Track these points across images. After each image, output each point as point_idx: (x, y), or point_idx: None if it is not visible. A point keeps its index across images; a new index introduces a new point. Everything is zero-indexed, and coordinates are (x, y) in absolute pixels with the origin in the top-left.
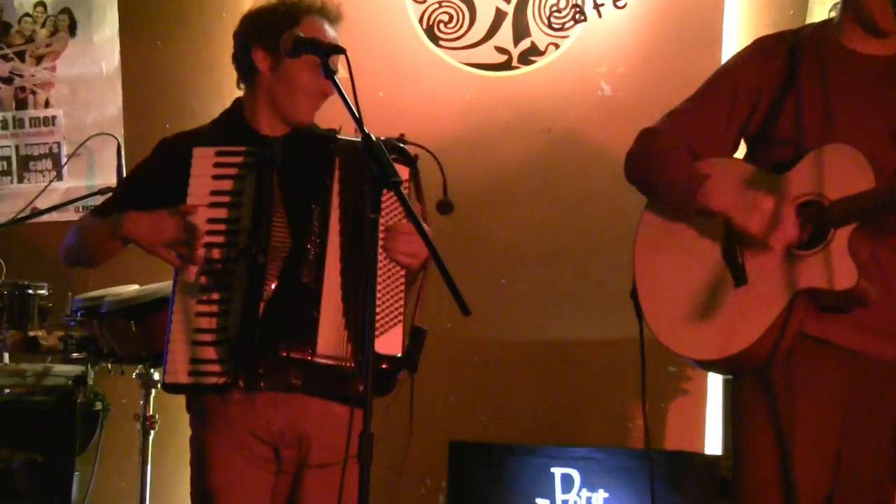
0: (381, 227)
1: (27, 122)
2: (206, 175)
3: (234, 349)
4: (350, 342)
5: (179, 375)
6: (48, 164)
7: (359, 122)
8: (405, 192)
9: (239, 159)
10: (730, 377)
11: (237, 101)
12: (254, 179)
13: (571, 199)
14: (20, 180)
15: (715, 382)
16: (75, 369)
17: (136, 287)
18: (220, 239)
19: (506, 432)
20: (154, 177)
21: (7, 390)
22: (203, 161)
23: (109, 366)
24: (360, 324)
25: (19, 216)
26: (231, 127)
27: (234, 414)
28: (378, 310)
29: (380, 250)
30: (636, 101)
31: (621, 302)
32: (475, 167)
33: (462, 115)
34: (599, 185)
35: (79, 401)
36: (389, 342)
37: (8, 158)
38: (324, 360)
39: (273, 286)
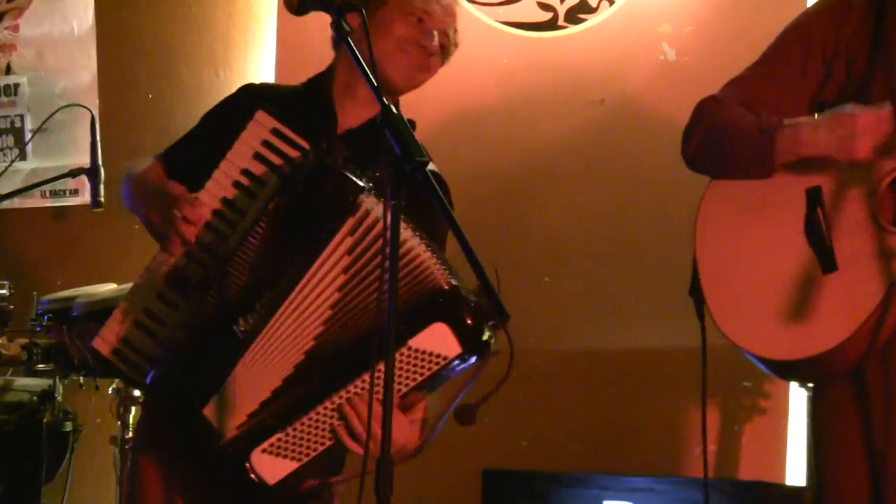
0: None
1: None
2: (251, 148)
3: (157, 357)
4: (241, 426)
5: (105, 346)
6: (9, 140)
7: (376, 90)
8: (430, 367)
9: (291, 152)
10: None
11: (330, 67)
12: (270, 187)
13: (627, 183)
14: None
15: (799, 400)
16: (41, 383)
17: (112, 286)
18: (222, 226)
19: (550, 459)
20: (223, 124)
21: None
22: (257, 130)
23: (81, 379)
24: (269, 423)
25: None
26: (311, 99)
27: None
28: (290, 431)
29: (350, 387)
30: (704, 68)
31: (687, 304)
32: (513, 145)
33: (498, 84)
34: (660, 166)
35: (45, 420)
36: (269, 466)
37: None
38: (207, 415)
39: (209, 315)
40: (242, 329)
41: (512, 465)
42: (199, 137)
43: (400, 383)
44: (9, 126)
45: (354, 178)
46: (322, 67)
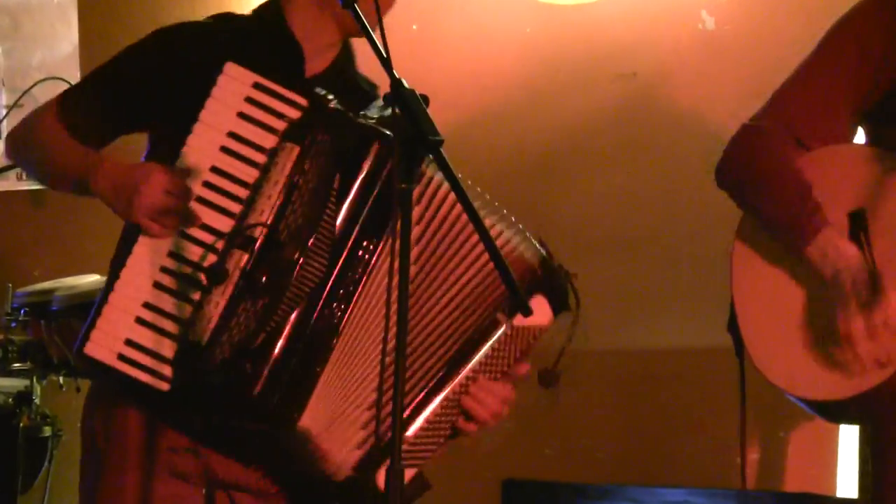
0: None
1: None
2: (230, 107)
3: (197, 359)
4: (364, 445)
5: (104, 351)
6: None
7: (386, 62)
8: (530, 339)
9: (284, 109)
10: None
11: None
12: (295, 154)
13: (661, 165)
14: None
15: None
16: (16, 384)
17: (95, 278)
18: (218, 200)
19: (575, 468)
20: (145, 75)
21: None
22: (233, 86)
23: (61, 379)
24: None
25: None
26: (270, 38)
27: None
28: (412, 439)
29: (463, 378)
30: (747, 38)
31: (724, 299)
32: (536, 123)
33: (520, 56)
34: (698, 147)
35: (21, 424)
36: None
37: None
38: (304, 427)
39: (279, 316)
40: (324, 324)
41: (533, 474)
42: (114, 88)
43: (501, 362)
44: None
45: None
46: None
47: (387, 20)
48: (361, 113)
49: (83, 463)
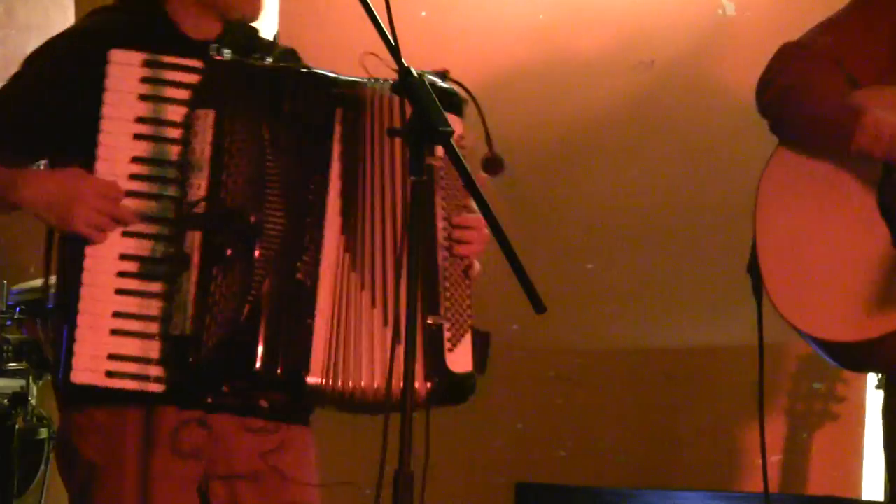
0: (444, 204)
1: None
2: (129, 92)
3: (187, 350)
4: (365, 359)
5: (90, 374)
6: None
7: (394, 50)
8: (461, 151)
9: (185, 77)
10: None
11: None
12: (212, 118)
13: (681, 156)
14: None
15: (877, 404)
16: (12, 384)
17: None
18: (149, 188)
19: (591, 471)
20: (41, 95)
21: None
22: (124, 72)
23: None
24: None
25: None
26: (144, 21)
27: (159, 435)
28: (448, 316)
29: (442, 237)
30: (769, 24)
31: (749, 296)
32: (550, 114)
33: (533, 43)
34: (719, 137)
35: (17, 426)
36: (462, 357)
37: None
38: (315, 382)
39: (257, 281)
40: (303, 275)
41: (547, 478)
42: (12, 114)
43: (455, 194)
44: None
45: (319, 71)
46: (330, 15)
47: (395, 7)
48: (258, 56)
49: (70, 481)
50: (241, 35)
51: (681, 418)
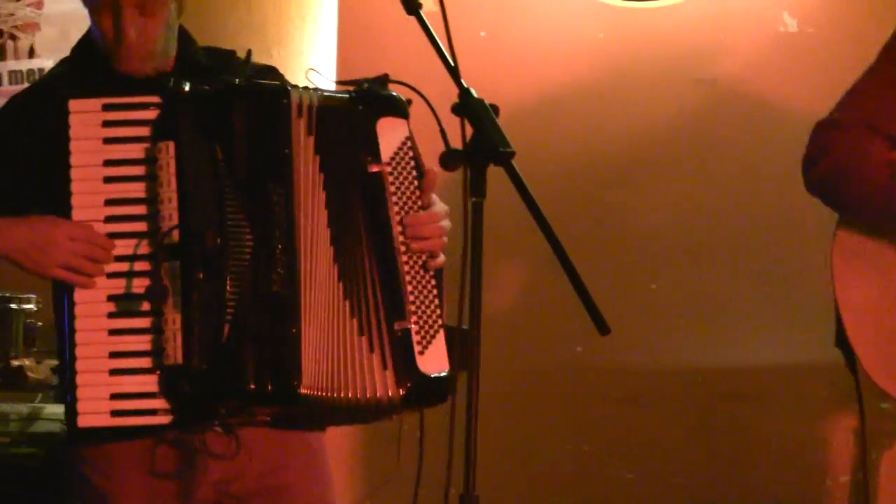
0: (398, 208)
1: (5, 78)
2: (93, 138)
3: (180, 379)
4: (391, 362)
5: (96, 417)
6: None
7: (454, 71)
8: (409, 157)
9: (142, 115)
10: None
11: (88, 37)
12: (172, 148)
13: (742, 173)
14: None
15: None
16: None
17: None
18: (127, 227)
19: (657, 493)
20: (8, 157)
21: None
22: (85, 119)
23: None
24: (399, 332)
25: None
26: (93, 67)
27: (165, 463)
28: (413, 319)
29: (399, 244)
30: (832, 40)
31: (815, 315)
32: (610, 131)
33: (593, 60)
34: (780, 154)
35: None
36: (435, 358)
37: None
38: (309, 392)
39: (233, 300)
40: (279, 287)
41: (613, 500)
42: None
43: (409, 196)
44: None
45: (272, 84)
46: (388, 39)
47: (454, 27)
48: (227, 78)
49: None
50: (199, 64)
51: (748, 438)
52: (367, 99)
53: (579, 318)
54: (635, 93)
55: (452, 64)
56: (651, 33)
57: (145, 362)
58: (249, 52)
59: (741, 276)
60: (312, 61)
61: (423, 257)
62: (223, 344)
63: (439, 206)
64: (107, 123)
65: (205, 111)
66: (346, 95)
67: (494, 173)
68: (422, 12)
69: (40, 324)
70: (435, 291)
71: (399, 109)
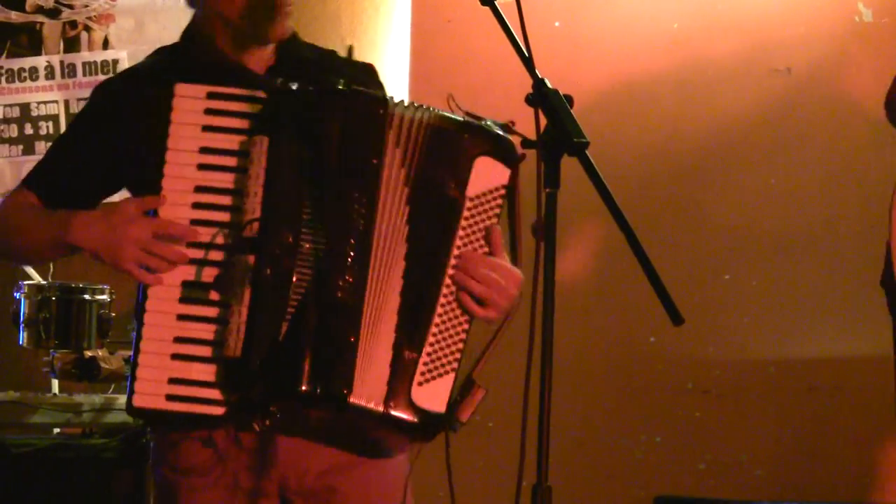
0: (462, 244)
1: (79, 69)
2: (193, 124)
3: (237, 373)
4: (389, 380)
5: (151, 398)
6: None
7: (528, 62)
8: (496, 205)
9: (244, 107)
10: None
11: (195, 24)
12: (266, 144)
13: (820, 164)
14: None
15: None
16: None
17: None
18: (212, 216)
19: (730, 484)
20: (103, 136)
21: (56, 430)
22: (189, 104)
23: None
24: (408, 358)
25: None
26: (200, 57)
27: (228, 459)
28: (428, 349)
29: (448, 277)
30: None
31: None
32: (685, 121)
33: (668, 52)
34: (855, 145)
35: (151, 444)
36: (432, 395)
37: (55, 118)
38: (358, 402)
39: (297, 301)
40: (344, 293)
41: (687, 491)
42: (74, 157)
43: (478, 239)
44: None
45: (367, 91)
46: (462, 30)
47: (528, 17)
48: (329, 78)
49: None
50: (303, 58)
51: (822, 430)
52: (477, 132)
53: (653, 308)
54: (710, 83)
55: (527, 54)
56: (725, 23)
57: (207, 351)
58: (351, 49)
59: (817, 268)
60: (386, 52)
61: (466, 299)
62: (280, 342)
63: (508, 265)
64: (208, 111)
65: (303, 111)
66: (457, 119)
67: (568, 163)
68: (496, 2)
69: (114, 315)
70: (463, 336)
71: (506, 156)
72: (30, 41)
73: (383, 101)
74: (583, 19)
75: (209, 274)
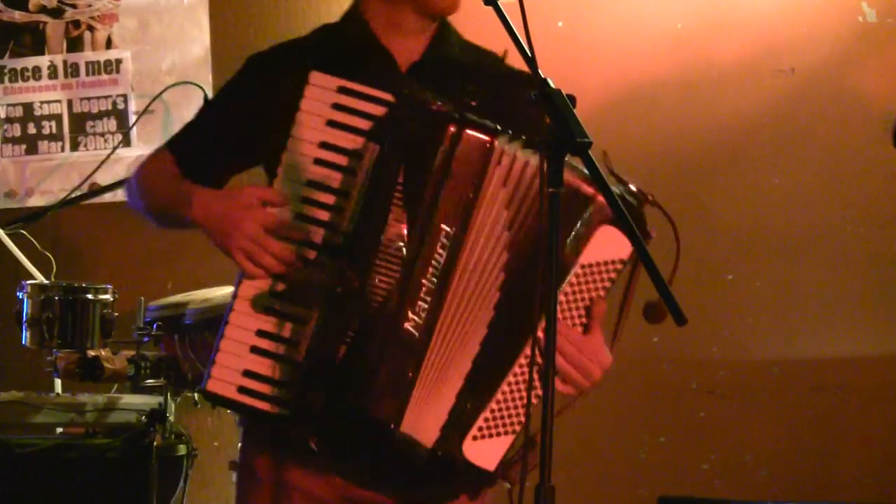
0: (559, 310)
1: (83, 69)
2: (320, 116)
3: (297, 377)
4: (444, 427)
5: (224, 386)
6: (111, 124)
7: (531, 62)
8: (608, 278)
9: (368, 108)
10: None
11: (355, 6)
12: (376, 153)
13: (823, 164)
14: (74, 147)
15: None
16: (150, 401)
17: (229, 290)
18: (315, 213)
19: (735, 485)
20: (248, 106)
21: (60, 430)
22: (320, 95)
23: (196, 396)
24: (469, 410)
25: (73, 195)
26: (355, 43)
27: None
28: (493, 406)
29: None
30: None
31: (894, 304)
32: (688, 121)
33: (671, 52)
34: (859, 145)
35: (155, 443)
36: (484, 451)
37: (58, 117)
38: (407, 436)
39: (359, 325)
40: (412, 325)
41: (691, 491)
42: (217, 125)
43: (578, 306)
44: (111, 108)
45: (481, 121)
46: (466, 30)
47: (532, 17)
48: (467, 86)
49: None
50: (452, 59)
51: (827, 430)
52: (610, 198)
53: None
54: (713, 84)
55: (530, 54)
56: (729, 24)
57: (283, 350)
58: (505, 53)
59: (821, 268)
60: None
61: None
62: (337, 362)
63: (600, 347)
64: (335, 106)
65: (414, 128)
66: (582, 174)
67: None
68: (499, 2)
69: (117, 314)
70: (533, 401)
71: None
72: (33, 41)
73: (495, 131)
74: (586, 19)
75: (301, 272)
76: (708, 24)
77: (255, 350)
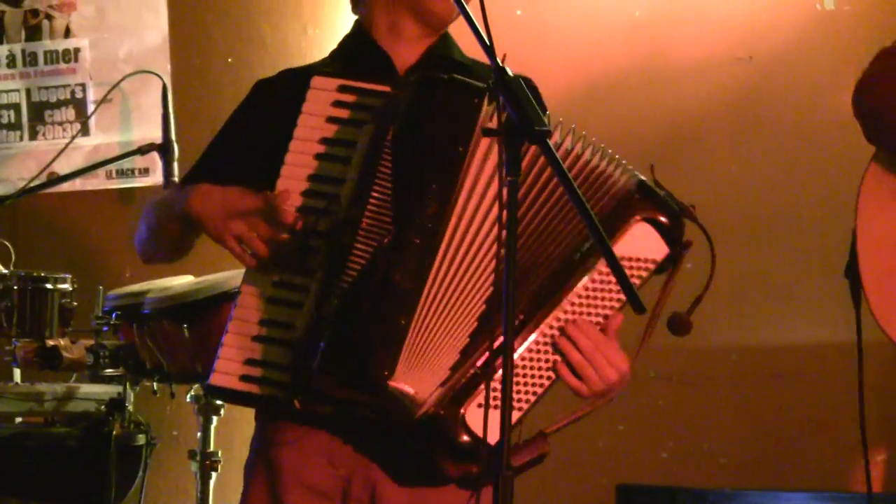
0: (576, 313)
1: (41, 58)
2: (320, 115)
3: (295, 355)
4: (445, 382)
5: (226, 378)
6: (69, 113)
7: (489, 50)
8: (635, 276)
9: (367, 100)
10: None
11: (358, 21)
12: (371, 131)
13: (781, 152)
14: (32, 136)
15: None
16: (109, 391)
17: (188, 279)
18: (317, 204)
19: (694, 473)
20: (254, 127)
21: (18, 419)
22: (320, 96)
23: (155, 385)
24: (474, 371)
25: (31, 185)
26: (356, 51)
27: (283, 450)
28: (497, 384)
29: (553, 321)
30: (869, 18)
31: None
32: (647, 109)
33: (630, 40)
34: (821, 133)
35: (114, 433)
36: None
37: (16, 106)
38: (400, 387)
39: (352, 279)
40: (397, 279)
41: (650, 479)
42: (228, 149)
43: (602, 303)
44: (69, 97)
45: (471, 81)
46: None
47: (490, 5)
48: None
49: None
50: (450, 59)
51: (785, 417)
52: (652, 196)
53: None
54: (672, 71)
55: (488, 43)
56: (687, 11)
57: (283, 334)
58: (504, 57)
59: (780, 255)
60: None
61: (561, 365)
62: (328, 321)
63: (617, 351)
64: (335, 103)
65: (406, 95)
66: (631, 171)
67: None
68: None
69: (76, 304)
70: (543, 385)
71: (672, 234)
72: None
73: (479, 90)
74: (545, 7)
75: (300, 257)
76: (666, 12)
77: (257, 339)
